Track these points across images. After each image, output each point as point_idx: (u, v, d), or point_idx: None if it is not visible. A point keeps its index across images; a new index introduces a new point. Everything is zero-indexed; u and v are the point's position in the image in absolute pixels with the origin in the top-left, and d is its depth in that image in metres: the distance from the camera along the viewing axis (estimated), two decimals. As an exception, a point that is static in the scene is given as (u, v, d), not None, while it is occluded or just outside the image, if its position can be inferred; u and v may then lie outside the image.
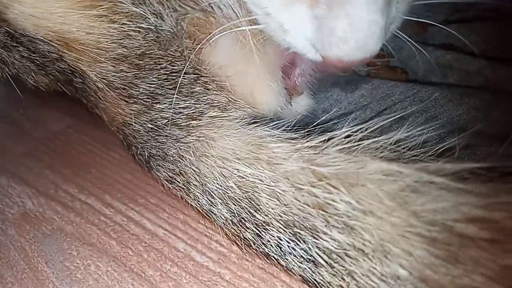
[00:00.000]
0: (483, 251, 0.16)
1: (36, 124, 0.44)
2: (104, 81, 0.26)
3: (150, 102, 0.25)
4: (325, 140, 0.21)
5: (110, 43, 0.24)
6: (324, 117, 0.25)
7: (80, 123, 0.43)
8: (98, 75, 0.26)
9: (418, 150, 0.20)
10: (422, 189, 0.18)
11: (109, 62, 0.25)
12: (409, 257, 0.17)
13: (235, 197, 0.23)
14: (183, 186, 0.26)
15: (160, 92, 0.25)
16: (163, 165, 0.26)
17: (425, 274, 0.17)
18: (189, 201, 0.26)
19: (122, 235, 0.29)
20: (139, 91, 0.25)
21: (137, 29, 0.24)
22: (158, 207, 0.31)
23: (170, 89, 0.25)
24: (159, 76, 0.25)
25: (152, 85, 0.25)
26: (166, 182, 0.27)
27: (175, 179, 0.26)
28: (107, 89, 0.26)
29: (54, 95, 0.45)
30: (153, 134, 0.26)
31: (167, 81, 0.25)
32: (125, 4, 0.23)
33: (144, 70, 0.25)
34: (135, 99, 0.26)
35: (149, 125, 0.26)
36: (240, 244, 0.24)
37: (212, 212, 0.25)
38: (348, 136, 0.21)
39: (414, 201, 0.18)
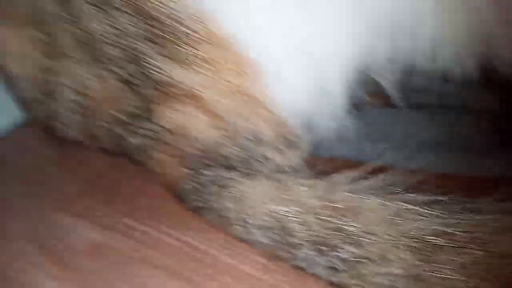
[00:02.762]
0: (447, 254, 0.25)
1: (78, 166, 0.51)
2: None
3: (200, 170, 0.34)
4: (335, 182, 0.30)
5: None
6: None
7: (119, 160, 0.50)
8: None
9: (398, 187, 0.29)
10: (404, 215, 0.27)
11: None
12: (400, 262, 0.26)
13: (271, 226, 0.32)
14: (226, 224, 0.34)
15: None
16: (208, 212, 0.35)
17: (413, 271, 0.26)
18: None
19: (181, 256, 0.37)
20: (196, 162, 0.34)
21: None
22: (205, 230, 0.39)
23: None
24: None
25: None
26: (211, 221, 0.36)
27: (218, 220, 0.35)
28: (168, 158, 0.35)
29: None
30: (201, 192, 0.35)
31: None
32: None
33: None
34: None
35: (197, 185, 0.35)
36: (276, 260, 0.33)
37: (250, 240, 0.34)
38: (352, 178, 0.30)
39: (401, 223, 0.27)
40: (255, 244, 0.33)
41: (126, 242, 0.40)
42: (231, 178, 0.34)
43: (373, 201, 0.29)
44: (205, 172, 0.35)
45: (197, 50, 0.30)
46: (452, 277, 0.25)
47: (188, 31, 0.29)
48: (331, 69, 0.31)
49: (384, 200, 0.29)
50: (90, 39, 0.31)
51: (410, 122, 0.39)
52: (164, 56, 0.31)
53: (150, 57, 0.31)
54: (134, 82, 0.33)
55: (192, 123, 0.33)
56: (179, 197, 0.38)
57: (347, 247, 0.28)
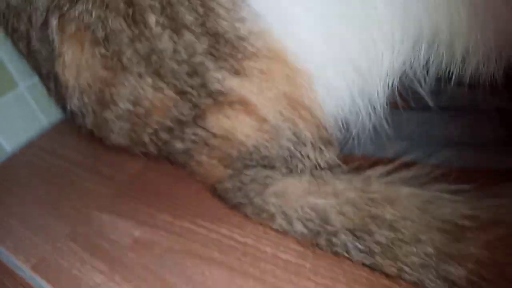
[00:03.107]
0: (473, 234, 0.29)
1: (115, 169, 0.54)
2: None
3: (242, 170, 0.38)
4: (369, 176, 0.34)
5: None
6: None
7: (151, 162, 0.54)
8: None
9: (426, 179, 0.33)
10: (435, 201, 0.31)
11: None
12: (432, 242, 0.30)
13: (311, 218, 0.35)
14: (267, 217, 0.38)
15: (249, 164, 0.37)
16: (250, 207, 0.38)
17: (443, 250, 0.30)
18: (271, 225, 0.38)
19: (221, 247, 0.41)
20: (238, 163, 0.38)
21: None
22: (241, 223, 0.42)
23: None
24: None
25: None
26: (251, 215, 0.39)
27: (260, 214, 0.38)
28: (211, 161, 0.38)
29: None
30: (242, 189, 0.38)
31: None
32: None
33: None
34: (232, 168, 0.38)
35: (238, 184, 0.39)
36: (313, 247, 0.37)
37: (288, 230, 0.37)
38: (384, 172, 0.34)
39: (431, 209, 0.31)
40: (295, 234, 0.36)
41: (167, 236, 0.43)
42: (271, 177, 0.38)
43: (406, 190, 0.33)
44: (247, 172, 0.39)
45: (254, 62, 0.33)
46: (479, 253, 0.29)
47: (249, 47, 0.33)
48: (371, 75, 0.34)
49: (416, 189, 0.33)
50: (155, 55, 0.34)
51: (431, 122, 0.42)
52: (225, 69, 0.34)
53: (212, 70, 0.34)
54: (190, 92, 0.36)
55: (238, 127, 0.37)
56: (219, 195, 0.41)
57: (383, 231, 0.32)
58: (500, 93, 0.41)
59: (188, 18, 0.33)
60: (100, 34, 0.35)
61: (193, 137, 0.39)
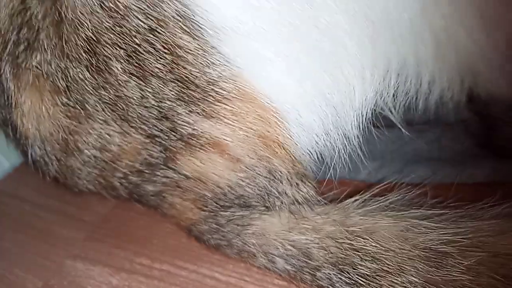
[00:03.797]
0: (455, 259, 0.30)
1: (84, 210, 0.52)
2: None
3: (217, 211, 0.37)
4: (346, 207, 0.34)
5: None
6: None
7: (122, 202, 0.51)
8: None
9: (403, 204, 0.33)
10: (414, 229, 0.32)
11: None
12: (415, 271, 0.30)
13: (293, 255, 0.35)
14: (248, 257, 0.37)
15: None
16: (229, 248, 0.38)
17: (426, 278, 0.30)
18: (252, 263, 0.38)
19: (204, 288, 0.40)
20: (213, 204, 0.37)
21: None
22: (222, 262, 0.41)
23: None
24: None
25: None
26: (231, 254, 0.38)
27: (240, 254, 0.38)
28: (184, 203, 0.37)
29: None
30: (219, 231, 0.38)
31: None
32: None
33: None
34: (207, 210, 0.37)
35: (215, 225, 0.38)
36: (297, 283, 0.36)
37: (270, 268, 0.37)
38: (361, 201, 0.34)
39: (411, 237, 0.32)
40: (279, 271, 0.36)
41: (146, 282, 0.42)
42: (248, 216, 0.37)
43: (384, 221, 0.34)
44: (222, 213, 0.38)
45: (225, 105, 0.33)
46: (462, 278, 0.29)
47: (219, 90, 0.32)
48: (344, 109, 0.35)
49: (393, 218, 0.34)
50: (121, 102, 0.33)
51: (401, 139, 0.43)
52: (195, 112, 0.33)
53: (182, 114, 0.33)
54: (159, 136, 0.35)
55: (211, 169, 0.36)
56: (196, 237, 0.40)
57: (366, 263, 0.32)
58: (462, 108, 0.42)
59: (155, 65, 0.32)
60: (61, 83, 0.34)
61: (164, 180, 0.38)
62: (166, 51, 0.31)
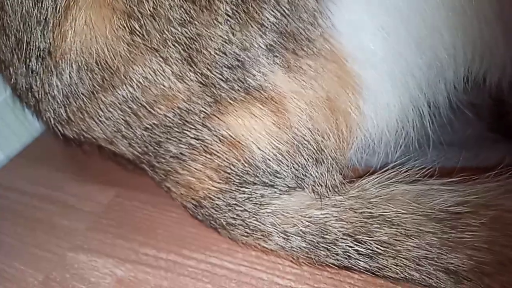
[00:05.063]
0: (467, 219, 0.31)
1: (84, 200, 0.51)
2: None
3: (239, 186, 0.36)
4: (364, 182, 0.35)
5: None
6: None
7: (124, 191, 0.50)
8: None
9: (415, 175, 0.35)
10: (428, 194, 0.33)
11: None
12: (432, 231, 0.31)
13: (310, 231, 0.34)
14: (261, 236, 0.36)
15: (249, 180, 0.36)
16: (241, 228, 0.36)
17: (443, 237, 0.30)
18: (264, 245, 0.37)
19: (213, 279, 0.38)
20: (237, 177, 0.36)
21: None
22: (231, 250, 0.40)
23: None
24: None
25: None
26: (241, 237, 0.37)
27: (252, 234, 0.36)
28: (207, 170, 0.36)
29: (85, 170, 0.53)
30: (235, 209, 0.36)
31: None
32: None
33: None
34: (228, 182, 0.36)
35: (232, 202, 0.36)
36: (311, 263, 0.35)
37: (284, 247, 0.35)
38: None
39: (426, 201, 0.33)
40: (291, 250, 0.35)
41: (153, 272, 0.40)
42: (268, 196, 0.36)
43: (399, 188, 0.35)
44: (243, 189, 0.37)
45: (312, 62, 0.33)
46: (475, 237, 0.30)
47: (314, 48, 0.32)
48: (430, 91, 0.37)
49: (408, 186, 0.35)
50: (198, 42, 0.32)
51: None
52: (279, 65, 0.33)
53: (262, 65, 0.33)
54: (219, 85, 0.34)
55: (256, 132, 0.35)
56: (202, 214, 0.39)
57: (384, 229, 0.32)
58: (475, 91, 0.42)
59: (266, 15, 0.31)
60: (144, 7, 0.32)
61: (193, 141, 0.36)
62: (286, 6, 0.31)
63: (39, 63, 0.38)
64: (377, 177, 0.35)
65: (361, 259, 0.33)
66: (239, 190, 0.37)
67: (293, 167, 0.36)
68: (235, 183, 0.37)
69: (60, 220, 0.49)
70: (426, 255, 0.31)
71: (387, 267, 0.32)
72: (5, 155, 0.61)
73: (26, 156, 0.62)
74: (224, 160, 0.37)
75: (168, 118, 0.36)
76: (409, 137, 0.38)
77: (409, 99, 0.38)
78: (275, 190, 0.37)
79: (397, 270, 0.32)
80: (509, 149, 0.40)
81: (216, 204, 0.38)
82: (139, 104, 0.36)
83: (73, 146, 0.47)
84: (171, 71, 0.34)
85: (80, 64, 0.36)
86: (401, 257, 0.32)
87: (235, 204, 0.37)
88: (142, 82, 0.35)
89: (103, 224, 0.47)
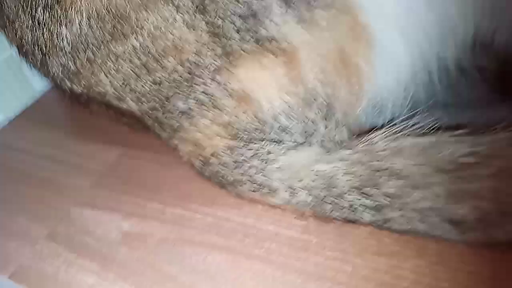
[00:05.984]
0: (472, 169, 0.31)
1: (89, 159, 0.51)
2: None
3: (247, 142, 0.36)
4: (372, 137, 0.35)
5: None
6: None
7: (129, 150, 0.50)
8: None
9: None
10: (436, 145, 0.34)
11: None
12: (439, 181, 0.31)
13: (316, 185, 0.35)
14: (268, 192, 0.36)
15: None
16: (248, 184, 0.37)
17: (451, 188, 0.31)
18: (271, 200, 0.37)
19: (220, 230, 0.39)
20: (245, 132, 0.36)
21: None
22: (238, 203, 0.40)
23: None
24: None
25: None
26: (248, 192, 0.38)
27: (259, 190, 0.37)
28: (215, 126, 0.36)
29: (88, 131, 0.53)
30: (242, 165, 0.37)
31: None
32: None
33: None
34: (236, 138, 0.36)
35: (240, 158, 0.37)
36: (317, 215, 0.36)
37: (291, 201, 0.36)
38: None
39: (434, 152, 0.33)
40: (297, 205, 0.35)
41: (160, 226, 0.41)
42: (275, 152, 0.37)
43: (408, 141, 0.35)
44: (252, 145, 0.37)
45: (325, 12, 0.33)
46: (483, 186, 0.31)
47: None
48: (441, 47, 0.37)
49: (416, 138, 0.35)
50: None
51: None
52: (292, 15, 0.33)
53: (276, 15, 0.33)
54: (230, 36, 0.34)
55: (266, 85, 0.35)
56: (210, 172, 0.39)
57: (392, 181, 0.33)
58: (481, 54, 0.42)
59: None
60: None
61: (202, 96, 0.36)
62: None
63: (47, 14, 0.38)
64: (385, 131, 0.35)
65: (367, 212, 0.34)
66: (247, 146, 0.38)
67: (303, 122, 0.36)
68: (243, 139, 0.38)
69: (64, 178, 0.49)
70: (432, 206, 0.32)
71: (393, 219, 0.33)
72: (5, 116, 0.61)
73: (27, 117, 0.61)
74: (233, 116, 0.37)
75: (177, 72, 0.36)
76: (417, 95, 0.38)
77: (419, 55, 0.38)
78: (283, 146, 0.37)
79: (403, 222, 0.33)
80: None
81: (224, 160, 0.38)
82: (149, 56, 0.36)
83: (79, 106, 0.47)
84: (182, 19, 0.34)
85: (90, 12, 0.35)
86: (407, 209, 0.32)
87: (242, 160, 0.37)
88: (153, 31, 0.35)
89: (108, 182, 0.47)
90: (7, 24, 0.42)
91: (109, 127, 0.50)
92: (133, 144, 0.49)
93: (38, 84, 0.63)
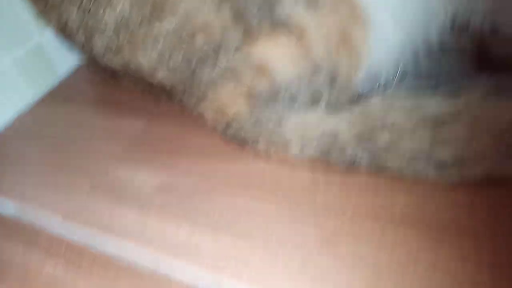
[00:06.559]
0: (452, 118, 0.38)
1: (118, 129, 0.56)
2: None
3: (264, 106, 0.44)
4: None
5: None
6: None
7: (155, 119, 0.56)
8: None
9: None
10: (421, 104, 0.40)
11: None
12: (423, 136, 0.38)
13: (323, 141, 0.42)
14: (282, 148, 0.44)
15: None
16: (265, 141, 0.44)
17: (434, 139, 0.38)
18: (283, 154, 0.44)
19: (243, 179, 0.45)
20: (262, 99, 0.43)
21: None
22: (256, 159, 0.46)
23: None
24: None
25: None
26: (264, 149, 0.45)
27: (275, 145, 0.44)
28: (236, 95, 0.43)
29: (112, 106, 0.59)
30: (260, 126, 0.44)
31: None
32: None
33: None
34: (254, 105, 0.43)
35: (257, 121, 0.44)
36: (324, 166, 0.43)
37: (301, 155, 0.43)
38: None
39: (419, 110, 0.40)
40: (309, 157, 0.43)
41: (188, 179, 0.47)
42: (289, 113, 0.44)
43: (399, 102, 0.42)
44: (267, 109, 0.44)
45: None
46: (460, 132, 0.37)
47: None
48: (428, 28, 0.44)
49: (405, 100, 0.42)
50: None
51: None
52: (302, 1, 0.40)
53: (287, 2, 0.39)
54: (249, 19, 0.40)
55: (281, 58, 0.42)
56: (233, 134, 0.46)
57: (385, 134, 0.40)
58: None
59: None
60: None
61: (225, 69, 0.43)
62: None
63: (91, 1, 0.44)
64: (379, 96, 0.43)
65: (365, 159, 0.41)
66: (264, 110, 0.45)
67: (311, 89, 0.44)
68: (260, 104, 0.45)
69: (98, 146, 0.54)
70: (420, 152, 0.39)
71: (387, 165, 0.40)
72: (31, 96, 0.66)
73: (53, 97, 0.67)
74: (252, 85, 0.44)
75: (204, 49, 0.43)
76: (406, 67, 0.46)
77: (406, 35, 0.45)
78: (294, 109, 0.44)
79: (395, 167, 0.40)
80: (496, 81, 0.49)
81: (244, 123, 0.45)
82: (181, 35, 0.43)
83: (110, 82, 0.53)
84: (210, 5, 0.41)
85: None
86: (399, 156, 0.39)
87: (260, 122, 0.45)
88: (185, 14, 0.42)
89: (138, 146, 0.52)
90: (49, 8, 0.48)
91: (134, 101, 0.57)
92: (158, 114, 0.56)
93: (61, 66, 0.69)
